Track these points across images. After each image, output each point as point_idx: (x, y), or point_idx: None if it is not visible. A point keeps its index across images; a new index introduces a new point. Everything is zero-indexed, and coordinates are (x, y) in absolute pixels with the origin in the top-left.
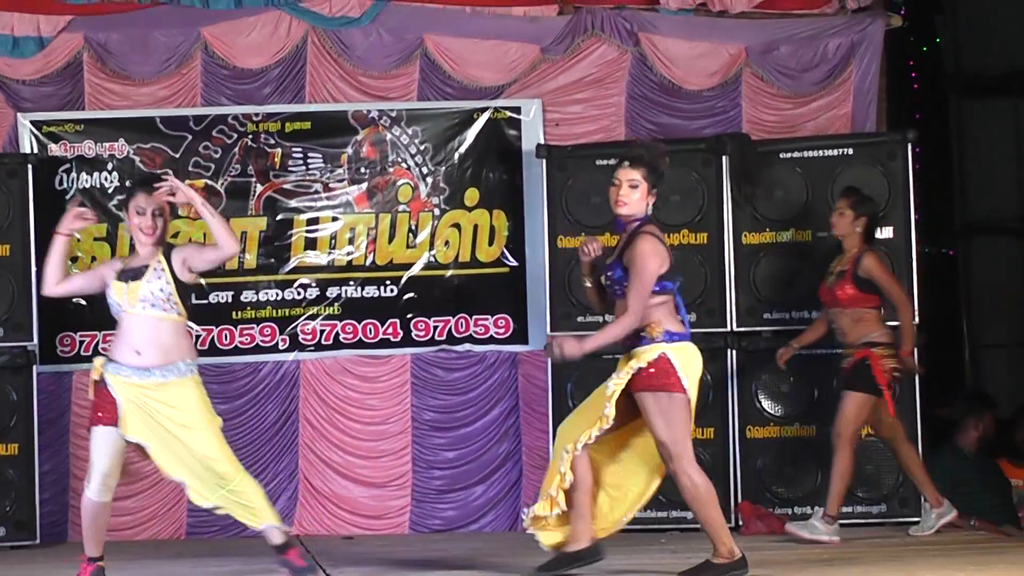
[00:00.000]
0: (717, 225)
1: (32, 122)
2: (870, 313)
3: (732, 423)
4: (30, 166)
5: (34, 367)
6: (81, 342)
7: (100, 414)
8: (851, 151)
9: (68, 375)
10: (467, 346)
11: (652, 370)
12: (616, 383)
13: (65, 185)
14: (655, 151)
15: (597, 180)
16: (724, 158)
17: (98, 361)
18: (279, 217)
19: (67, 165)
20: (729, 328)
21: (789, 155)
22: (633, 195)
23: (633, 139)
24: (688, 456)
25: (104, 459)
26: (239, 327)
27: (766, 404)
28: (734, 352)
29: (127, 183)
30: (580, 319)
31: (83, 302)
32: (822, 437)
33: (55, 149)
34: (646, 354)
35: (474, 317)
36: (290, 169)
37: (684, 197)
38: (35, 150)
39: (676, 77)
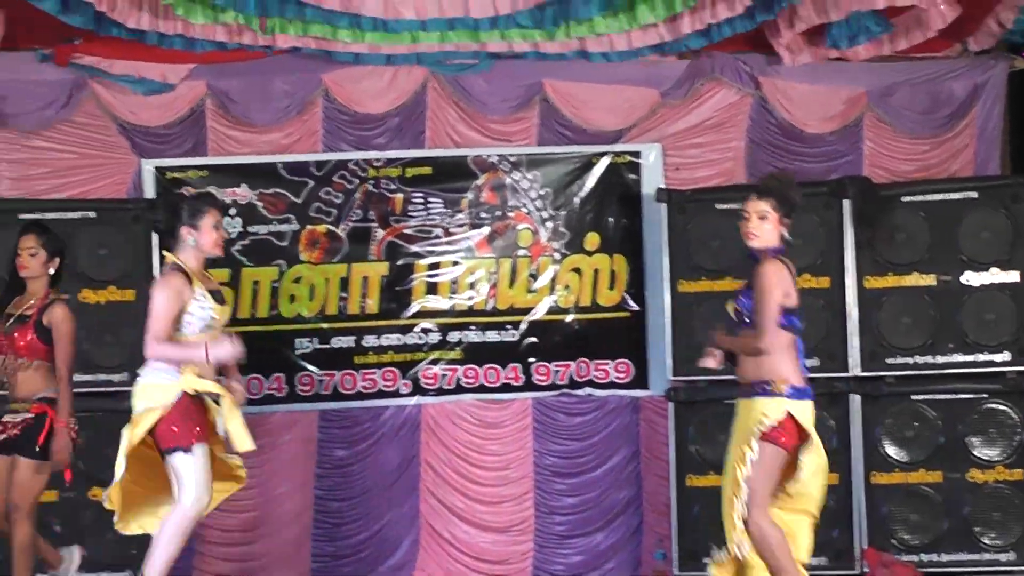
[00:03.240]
0: (839, 269)
1: (156, 168)
2: None
3: (856, 469)
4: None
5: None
6: None
7: (199, 429)
8: (975, 194)
9: None
10: (588, 391)
11: (777, 426)
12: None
13: None
14: (785, 179)
15: (717, 224)
16: (845, 201)
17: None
18: (400, 262)
19: None
20: (851, 373)
21: (912, 198)
22: (763, 226)
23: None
24: (764, 507)
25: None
26: (361, 372)
27: (891, 450)
28: (857, 397)
29: (201, 205)
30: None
31: None
32: (948, 483)
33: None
34: (771, 409)
35: (595, 362)
36: (411, 214)
37: (806, 241)
38: (159, 195)
39: (797, 120)
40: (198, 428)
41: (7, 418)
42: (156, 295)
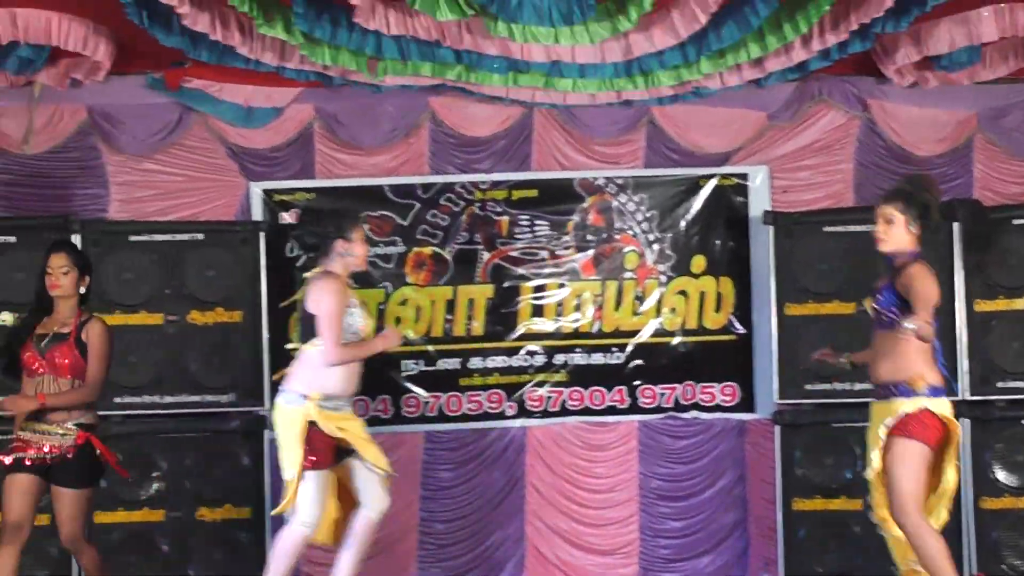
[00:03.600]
0: (948, 292)
1: (264, 190)
2: None
3: (966, 494)
4: (262, 234)
5: (265, 432)
6: None
7: (314, 458)
8: None
9: None
10: (694, 414)
11: (913, 419)
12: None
13: (296, 252)
14: (917, 183)
15: (825, 247)
16: (955, 224)
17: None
18: (506, 284)
19: (297, 232)
20: (961, 397)
21: (1023, 221)
22: (891, 230)
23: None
24: (918, 509)
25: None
26: (467, 394)
27: (1001, 474)
28: (967, 422)
29: (351, 219)
30: (808, 386)
31: None
32: None
33: (286, 217)
34: (908, 408)
35: (701, 384)
36: (517, 237)
37: None
38: (266, 218)
39: (906, 143)
40: (312, 457)
41: (37, 438)
42: (325, 300)
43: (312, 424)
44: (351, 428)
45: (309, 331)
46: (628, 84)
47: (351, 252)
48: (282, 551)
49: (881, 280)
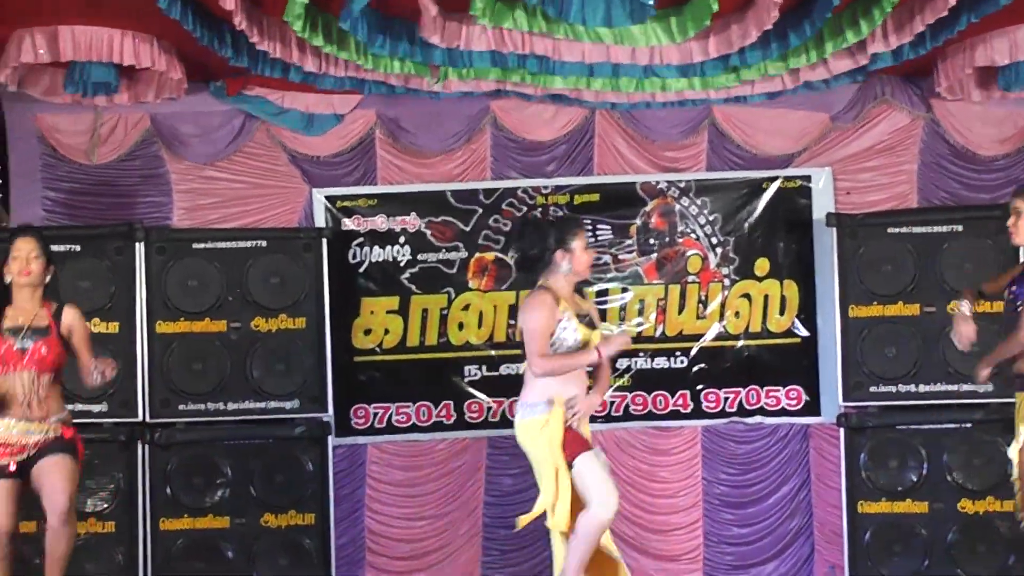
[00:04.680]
0: None
1: (326, 197)
2: None
3: None
4: (324, 240)
5: (329, 438)
6: (375, 414)
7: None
8: None
9: (363, 448)
10: (758, 418)
11: None
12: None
13: (358, 259)
14: None
15: (889, 248)
16: None
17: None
18: None
19: (360, 239)
20: None
21: None
22: (1020, 224)
23: None
24: None
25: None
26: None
27: None
28: None
29: (571, 227)
30: (873, 389)
31: (377, 374)
32: None
33: (348, 223)
34: None
35: (765, 388)
36: None
37: (976, 265)
38: (329, 224)
39: (970, 143)
40: (574, 445)
41: (17, 438)
42: (531, 314)
43: (567, 428)
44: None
45: (525, 346)
46: (691, 85)
47: (572, 263)
48: (584, 537)
49: (1009, 274)
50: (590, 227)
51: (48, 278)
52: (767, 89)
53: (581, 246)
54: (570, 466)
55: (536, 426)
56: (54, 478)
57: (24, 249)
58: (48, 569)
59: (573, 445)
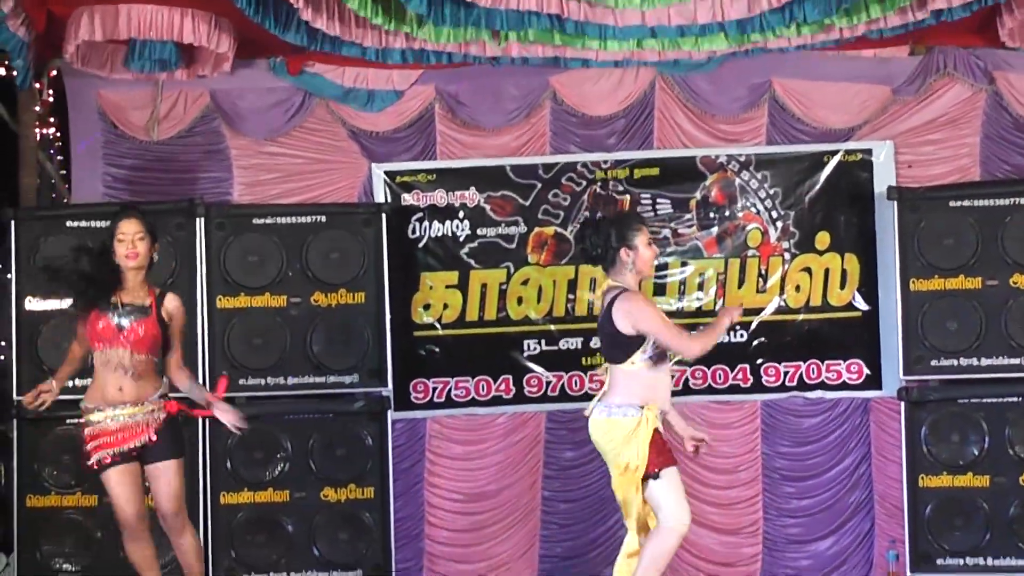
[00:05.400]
0: None
1: (386, 172)
2: None
3: None
4: (384, 215)
5: (388, 413)
6: (434, 389)
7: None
8: None
9: (422, 423)
10: (819, 393)
11: None
12: None
13: (417, 233)
14: None
15: (951, 222)
16: None
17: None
18: None
19: (419, 214)
20: None
21: None
22: None
23: None
24: None
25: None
26: (589, 373)
27: None
28: None
29: (632, 223)
30: (934, 362)
31: (436, 349)
32: None
33: (408, 198)
34: None
35: (826, 362)
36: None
37: None
38: (388, 199)
39: None
40: (662, 456)
41: (123, 424)
42: (643, 312)
43: (656, 432)
44: None
45: (618, 350)
46: (749, 40)
47: (636, 259)
48: (658, 556)
49: None
50: (649, 201)
51: (155, 257)
52: (824, 39)
53: (644, 241)
54: (656, 475)
55: (621, 428)
56: (160, 489)
57: (129, 232)
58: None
59: (664, 455)
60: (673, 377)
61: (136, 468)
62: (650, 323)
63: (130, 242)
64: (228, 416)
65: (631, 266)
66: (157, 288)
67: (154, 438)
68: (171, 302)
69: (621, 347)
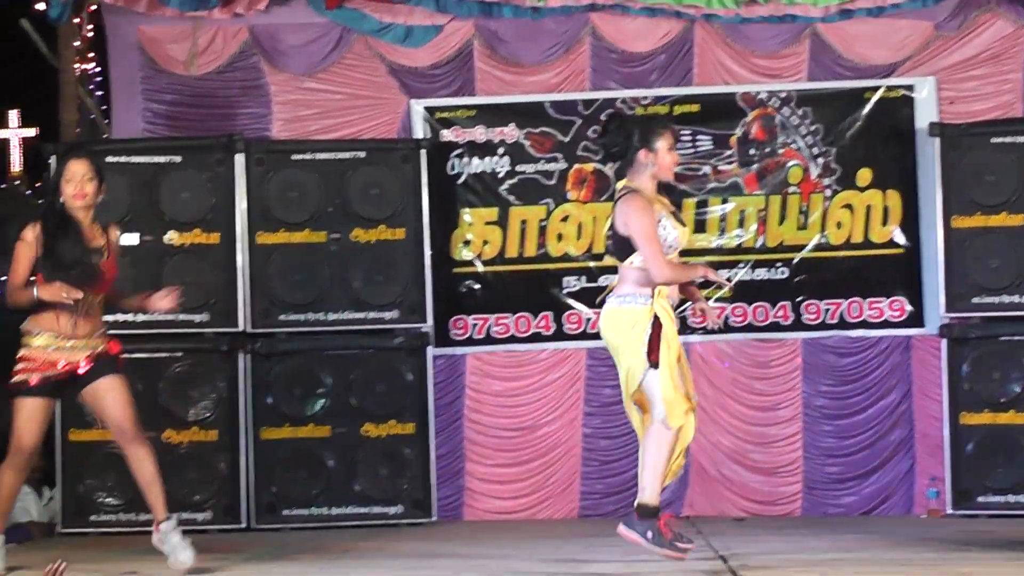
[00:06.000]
0: None
1: (425, 108)
2: None
3: None
4: (423, 151)
5: (428, 349)
6: (474, 325)
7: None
8: None
9: (461, 359)
10: (860, 331)
11: None
12: None
13: (457, 169)
14: None
15: (993, 158)
16: None
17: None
18: (668, 200)
19: (458, 150)
20: None
21: None
22: None
23: None
24: None
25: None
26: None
27: None
28: None
29: (656, 127)
30: (975, 300)
31: (476, 286)
32: None
33: (447, 134)
34: None
35: (868, 300)
36: (679, 152)
37: None
38: (428, 135)
39: None
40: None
41: (67, 355)
42: (637, 218)
43: (657, 321)
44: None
45: (622, 250)
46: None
47: (656, 162)
48: (658, 458)
49: None
50: (689, 137)
51: (100, 198)
52: (869, 5)
53: (666, 146)
54: (656, 365)
55: (629, 315)
56: (112, 402)
57: (78, 172)
58: (147, 491)
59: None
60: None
61: (50, 405)
62: (635, 228)
63: (78, 182)
64: (164, 302)
65: (649, 168)
66: (98, 223)
67: (85, 367)
68: (114, 233)
69: (622, 246)
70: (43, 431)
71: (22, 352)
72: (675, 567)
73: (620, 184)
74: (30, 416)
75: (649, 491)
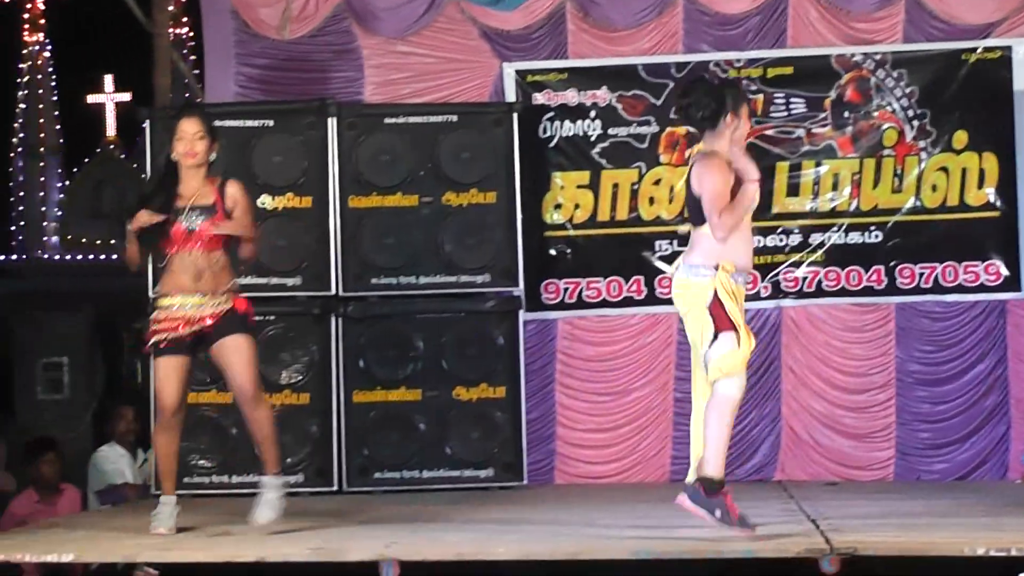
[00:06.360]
0: None
1: (517, 71)
2: None
3: None
4: (515, 114)
5: (520, 313)
6: (565, 289)
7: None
8: None
9: (552, 323)
10: (955, 295)
11: None
12: None
13: (548, 133)
14: None
15: None
16: None
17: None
18: (761, 164)
19: (550, 113)
20: None
21: None
22: None
23: None
24: None
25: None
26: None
27: None
28: None
29: (742, 93)
30: None
31: (567, 250)
32: None
33: (539, 98)
34: None
35: (963, 264)
36: (772, 115)
37: None
38: (519, 99)
39: None
40: (729, 318)
41: (190, 312)
42: (713, 177)
43: (720, 293)
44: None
45: (697, 213)
46: None
47: (739, 128)
48: (721, 428)
49: None
50: (783, 100)
51: (214, 156)
52: None
53: (747, 113)
54: (716, 337)
55: (696, 287)
56: (235, 361)
57: (189, 130)
58: (261, 448)
59: (730, 318)
60: (806, 279)
61: (186, 361)
62: (709, 185)
63: (189, 141)
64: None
65: (731, 133)
66: (218, 179)
67: (210, 323)
68: (231, 187)
69: (698, 208)
70: (182, 390)
71: (153, 315)
72: (766, 531)
73: (696, 148)
74: (166, 376)
75: (713, 464)
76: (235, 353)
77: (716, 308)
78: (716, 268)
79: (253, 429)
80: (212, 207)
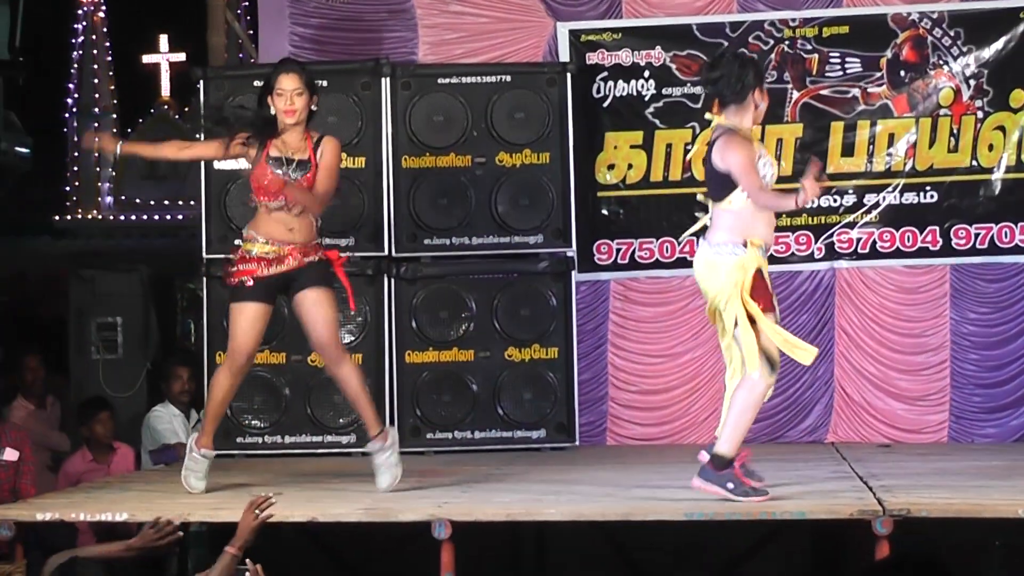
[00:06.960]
0: None
1: (570, 31)
2: None
3: None
4: (568, 74)
5: (572, 273)
6: (618, 250)
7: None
8: None
9: (605, 284)
10: (1011, 257)
11: None
12: None
13: (602, 93)
14: None
15: None
16: None
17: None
18: (816, 124)
19: (604, 73)
20: None
21: None
22: None
23: None
24: None
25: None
26: (774, 235)
27: None
28: None
29: (762, 69)
30: None
31: (620, 209)
32: None
33: (592, 57)
34: None
35: (1019, 224)
36: (827, 75)
37: None
38: (573, 59)
39: None
40: (759, 303)
41: (275, 255)
42: (738, 151)
43: (758, 271)
44: None
45: (718, 188)
46: None
47: (762, 104)
48: (747, 408)
49: None
50: (838, 60)
51: (314, 107)
52: None
53: (765, 92)
54: (749, 318)
55: (723, 266)
56: (316, 315)
57: (288, 86)
58: (358, 411)
59: (763, 298)
60: (860, 240)
61: (267, 311)
62: (734, 161)
63: (288, 97)
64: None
65: (755, 109)
66: (315, 134)
67: (299, 264)
68: (326, 145)
69: (720, 184)
70: (258, 338)
71: (238, 253)
72: (816, 489)
73: (715, 122)
74: (250, 322)
75: (728, 443)
76: (316, 307)
77: (760, 287)
78: (745, 245)
79: (341, 388)
80: (307, 163)
